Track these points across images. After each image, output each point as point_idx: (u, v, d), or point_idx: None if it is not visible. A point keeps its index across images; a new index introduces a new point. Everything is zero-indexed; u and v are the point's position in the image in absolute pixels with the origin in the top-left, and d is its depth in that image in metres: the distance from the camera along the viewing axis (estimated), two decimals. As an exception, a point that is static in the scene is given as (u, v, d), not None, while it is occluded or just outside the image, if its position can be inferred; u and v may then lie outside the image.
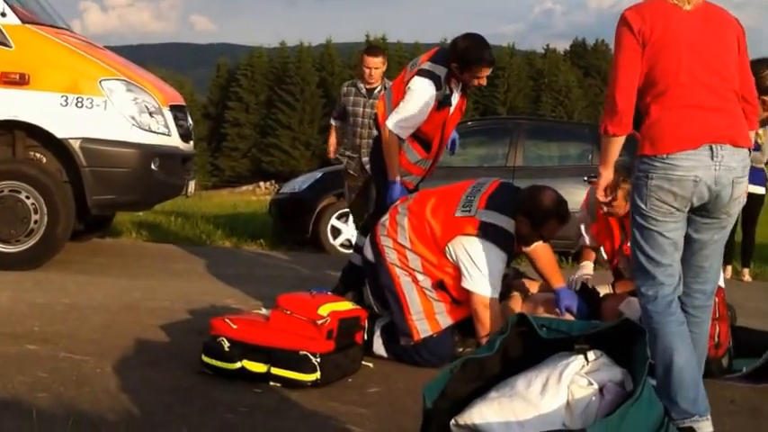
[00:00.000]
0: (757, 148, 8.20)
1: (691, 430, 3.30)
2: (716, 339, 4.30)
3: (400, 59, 62.87)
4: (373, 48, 8.34)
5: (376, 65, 7.94)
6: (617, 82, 3.44)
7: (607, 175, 3.61)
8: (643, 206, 3.42)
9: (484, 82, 5.42)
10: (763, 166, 8.82)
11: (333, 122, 8.67)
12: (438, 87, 5.25)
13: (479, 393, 2.54)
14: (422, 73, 5.27)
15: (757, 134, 3.87)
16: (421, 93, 5.22)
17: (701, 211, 3.44)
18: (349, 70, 65.23)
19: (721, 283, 4.59)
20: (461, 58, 5.25)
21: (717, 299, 4.01)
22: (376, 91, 7.92)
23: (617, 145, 3.52)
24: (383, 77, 8.08)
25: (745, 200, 3.60)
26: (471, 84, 5.42)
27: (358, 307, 4.58)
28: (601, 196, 3.66)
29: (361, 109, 7.94)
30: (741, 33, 3.56)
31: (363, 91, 8.01)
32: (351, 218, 9.24)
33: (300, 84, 68.10)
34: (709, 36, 3.43)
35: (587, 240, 5.39)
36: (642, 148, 3.42)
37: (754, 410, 3.90)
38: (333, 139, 8.77)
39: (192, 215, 13.22)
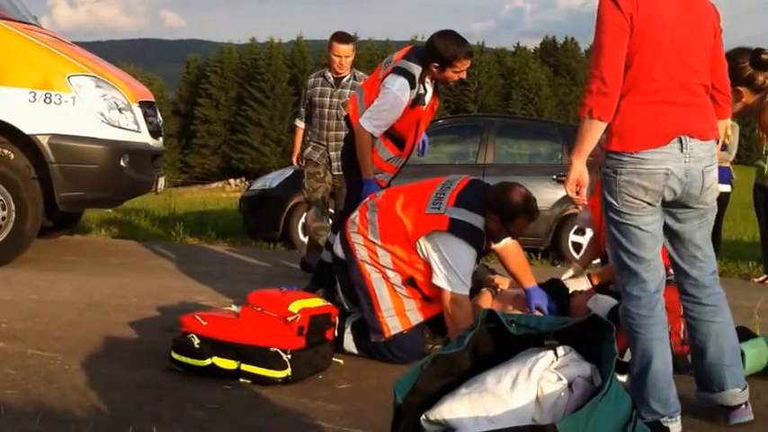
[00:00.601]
0: (724, 147, 8.25)
1: (657, 424, 3.33)
2: (681, 336, 4.33)
3: (371, 57, 63.01)
4: (343, 34, 7.64)
5: (346, 53, 7.48)
6: (604, 60, 3.28)
7: (579, 165, 3.40)
8: (614, 202, 3.38)
9: (464, 75, 5.45)
10: (729, 164, 8.88)
11: (298, 123, 8.10)
12: (412, 86, 5.26)
13: (450, 389, 2.54)
14: (397, 71, 5.27)
15: (725, 134, 3.88)
16: (396, 91, 5.22)
17: (677, 204, 3.43)
18: (321, 68, 65.10)
19: None
20: (441, 56, 5.26)
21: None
22: (344, 80, 7.53)
23: (598, 132, 3.34)
24: (352, 67, 7.66)
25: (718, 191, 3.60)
26: (452, 80, 5.45)
27: (329, 304, 4.59)
28: (570, 191, 3.47)
29: (328, 99, 7.50)
30: (717, 20, 3.51)
31: (331, 80, 7.55)
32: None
33: (271, 80, 67.94)
34: (689, 27, 3.37)
35: (585, 217, 5.29)
36: (610, 144, 3.35)
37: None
38: (298, 144, 8.13)
39: (161, 212, 13.16)
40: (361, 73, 7.68)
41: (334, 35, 7.59)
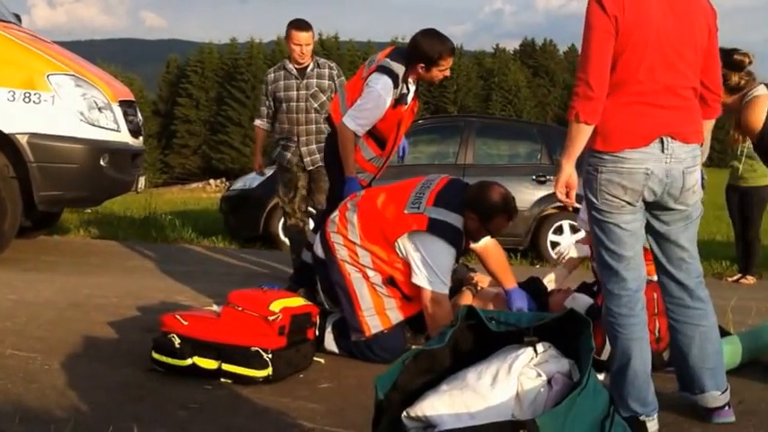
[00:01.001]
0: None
1: (635, 420, 3.36)
2: (656, 334, 4.37)
3: (353, 59, 63.11)
4: (300, 21, 6.97)
5: (306, 40, 6.87)
6: (590, 64, 3.28)
7: (568, 168, 3.40)
8: (595, 200, 3.41)
9: (448, 73, 5.50)
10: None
11: (258, 123, 7.29)
12: (396, 85, 5.29)
13: (431, 386, 2.56)
14: (381, 70, 5.30)
15: None
16: (380, 89, 5.25)
17: (659, 205, 3.45)
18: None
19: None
20: (427, 56, 5.30)
21: (656, 294, 4.06)
22: (308, 70, 6.92)
23: (586, 135, 3.33)
24: (313, 55, 7.02)
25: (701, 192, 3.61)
26: (437, 79, 5.49)
27: (310, 303, 4.60)
28: (560, 193, 3.45)
29: (295, 93, 6.89)
30: (713, 19, 3.49)
31: (295, 72, 6.93)
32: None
33: (251, 81, 67.75)
34: (678, 30, 3.36)
35: (584, 218, 5.25)
36: (593, 143, 3.37)
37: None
38: (259, 148, 7.54)
39: (141, 212, 13.12)
40: (323, 60, 7.19)
41: (291, 23, 6.99)
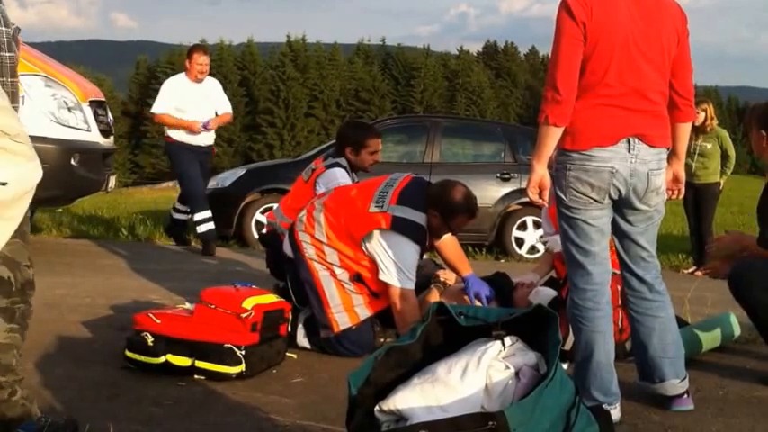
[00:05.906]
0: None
1: (599, 408, 3.42)
2: (619, 325, 4.48)
3: (319, 59, 63.12)
4: None
5: None
6: (559, 69, 3.37)
7: (539, 169, 3.47)
8: (564, 197, 3.49)
9: (378, 157, 5.87)
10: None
11: None
12: (348, 173, 5.65)
13: (402, 380, 2.60)
14: (333, 165, 5.62)
15: None
16: (340, 179, 5.51)
17: (624, 204, 3.53)
18: (270, 70, 65.03)
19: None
20: (352, 140, 5.71)
21: (619, 287, 4.15)
22: None
23: (555, 137, 3.42)
24: None
25: (665, 194, 3.69)
26: (368, 163, 5.79)
27: (282, 300, 4.64)
28: (532, 194, 3.51)
29: None
30: (683, 24, 3.56)
31: None
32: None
33: (222, 82, 67.29)
34: (646, 35, 3.43)
35: (548, 225, 5.28)
36: (563, 142, 3.45)
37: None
38: None
39: (113, 212, 13.06)
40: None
41: None
